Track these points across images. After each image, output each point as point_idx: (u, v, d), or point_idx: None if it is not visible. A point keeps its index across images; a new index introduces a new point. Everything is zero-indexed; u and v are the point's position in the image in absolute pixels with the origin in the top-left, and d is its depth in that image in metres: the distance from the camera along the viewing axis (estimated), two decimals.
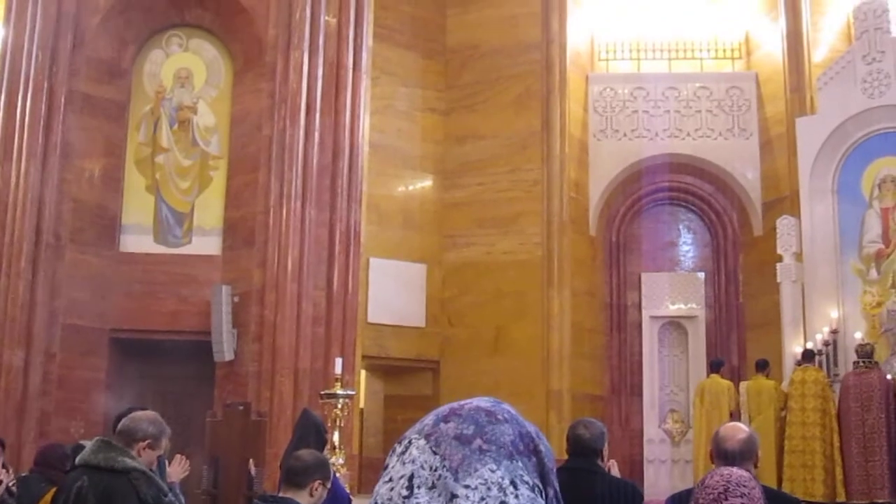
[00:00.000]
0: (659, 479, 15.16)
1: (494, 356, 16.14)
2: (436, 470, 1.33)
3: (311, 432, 7.53)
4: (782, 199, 16.62)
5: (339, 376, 11.39)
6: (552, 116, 16.76)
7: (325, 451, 8.94)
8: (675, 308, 17.18)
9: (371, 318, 15.82)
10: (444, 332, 16.71)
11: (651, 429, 16.74)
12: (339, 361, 11.72)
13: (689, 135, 17.77)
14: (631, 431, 17.06)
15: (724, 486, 3.11)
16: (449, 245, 16.97)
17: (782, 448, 13.50)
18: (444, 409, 1.41)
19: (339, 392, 11.05)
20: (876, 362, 13.73)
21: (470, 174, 17.02)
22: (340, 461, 9.80)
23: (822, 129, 15.42)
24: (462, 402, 1.42)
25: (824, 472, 13.18)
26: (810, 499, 12.80)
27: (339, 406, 11.03)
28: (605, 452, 5.10)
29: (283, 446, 8.32)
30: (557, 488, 1.42)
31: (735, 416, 13.58)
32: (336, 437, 10.72)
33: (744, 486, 3.13)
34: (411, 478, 1.33)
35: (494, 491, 1.31)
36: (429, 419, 1.40)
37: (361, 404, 16.25)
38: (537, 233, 16.53)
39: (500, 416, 1.40)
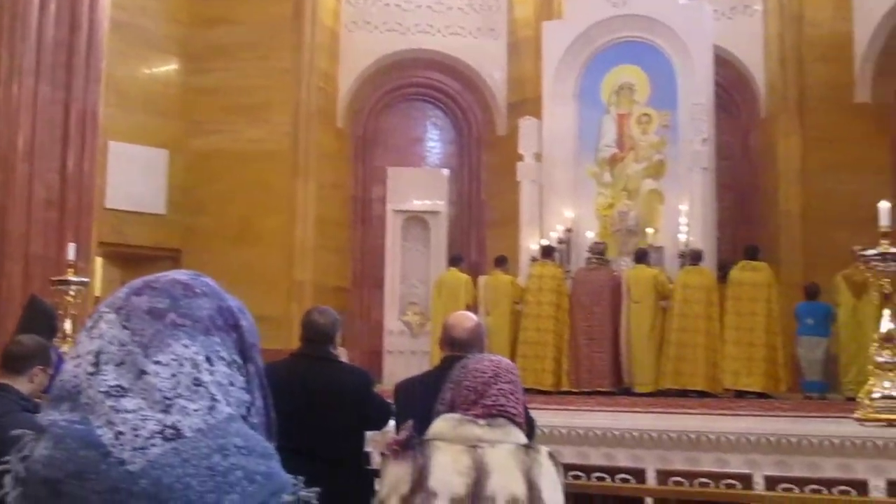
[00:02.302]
0: (397, 370, 15.43)
1: (239, 246, 15.92)
2: (125, 345, 1.27)
3: (39, 319, 7.24)
4: (526, 101, 17.02)
5: (72, 263, 11.00)
6: (303, 4, 16.46)
7: (56, 339, 8.64)
8: (419, 203, 17.40)
9: (109, 204, 15.27)
10: (186, 221, 16.33)
11: (391, 320, 17.03)
12: (72, 247, 11.28)
13: (439, 31, 17.87)
14: (372, 323, 17.32)
15: (494, 370, 3.18)
16: (194, 131, 16.49)
17: (516, 339, 14.01)
18: (138, 281, 1.35)
19: (72, 279, 10.69)
20: (607, 260, 14.41)
21: (218, 59, 16.51)
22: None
23: (567, 35, 15.81)
24: (158, 275, 1.36)
25: (554, 363, 13.80)
26: (539, 387, 13.37)
27: (72, 293, 10.67)
28: (339, 340, 5.14)
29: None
30: (260, 365, 1.39)
31: (472, 309, 13.94)
32: (68, 325, 10.39)
33: (511, 372, 3.23)
34: (98, 354, 1.27)
35: (187, 367, 1.26)
36: (122, 292, 1.33)
37: (97, 292, 15.69)
38: (285, 122, 16.31)
39: (197, 290, 1.34)
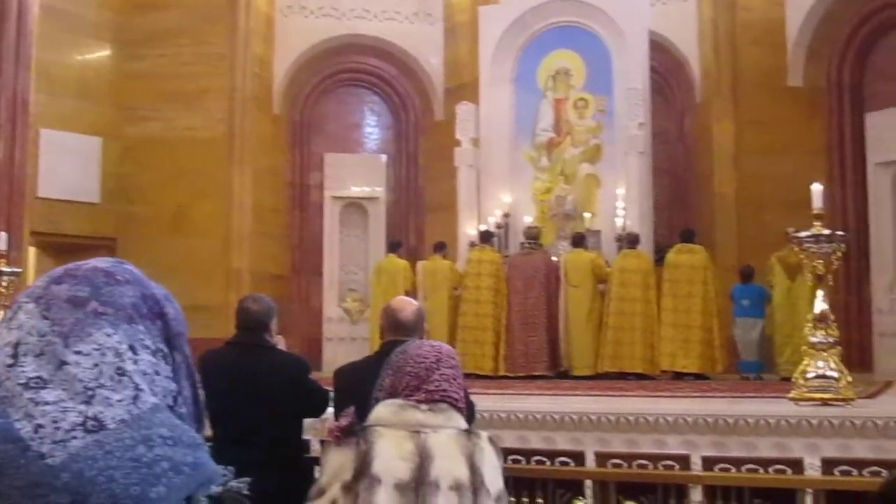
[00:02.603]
0: (337, 357, 15.35)
1: (174, 235, 15.75)
2: (45, 336, 1.23)
3: None
4: (463, 86, 17.01)
5: (4, 253, 10.81)
6: None
7: None
8: (357, 189, 17.34)
9: (41, 193, 15.00)
10: (121, 210, 16.10)
11: (330, 307, 16.96)
12: (3, 237, 11.07)
13: (375, 16, 17.79)
14: (311, 310, 17.24)
15: (436, 356, 3.18)
16: (128, 119, 16.24)
17: (455, 325, 14.03)
18: (58, 270, 1.31)
19: (4, 270, 10.52)
20: (541, 244, 14.47)
21: (152, 45, 16.27)
22: None
23: (504, 19, 15.83)
24: (79, 263, 1.32)
25: (493, 348, 13.84)
26: (479, 372, 13.41)
27: (4, 285, 10.50)
28: (274, 327, 5.09)
29: None
30: (188, 353, 1.36)
31: (411, 294, 13.94)
32: (0, 315, 10.20)
33: (452, 358, 3.24)
34: (17, 345, 1.23)
35: (110, 356, 1.23)
36: (41, 281, 1.30)
37: (31, 282, 15.48)
38: (221, 109, 16.15)
39: (119, 277, 1.31)
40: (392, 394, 3.13)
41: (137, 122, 16.16)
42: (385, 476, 2.92)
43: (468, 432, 3.08)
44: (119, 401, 1.21)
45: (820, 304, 8.37)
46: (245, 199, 16.17)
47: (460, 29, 17.60)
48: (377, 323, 13.47)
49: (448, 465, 2.95)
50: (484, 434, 3.11)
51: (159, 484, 1.19)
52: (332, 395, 4.86)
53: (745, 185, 15.67)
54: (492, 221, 15.15)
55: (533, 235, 14.34)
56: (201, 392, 1.39)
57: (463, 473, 2.96)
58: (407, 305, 4.78)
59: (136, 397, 1.22)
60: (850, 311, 14.77)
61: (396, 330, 4.58)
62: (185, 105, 16.03)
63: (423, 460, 2.94)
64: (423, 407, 3.06)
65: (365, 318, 16.17)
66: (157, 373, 1.28)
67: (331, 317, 16.92)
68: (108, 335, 1.24)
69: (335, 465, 3.02)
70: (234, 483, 1.30)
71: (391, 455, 2.95)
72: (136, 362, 1.25)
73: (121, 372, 1.23)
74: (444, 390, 3.10)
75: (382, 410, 3.09)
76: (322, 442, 3.18)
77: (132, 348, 1.25)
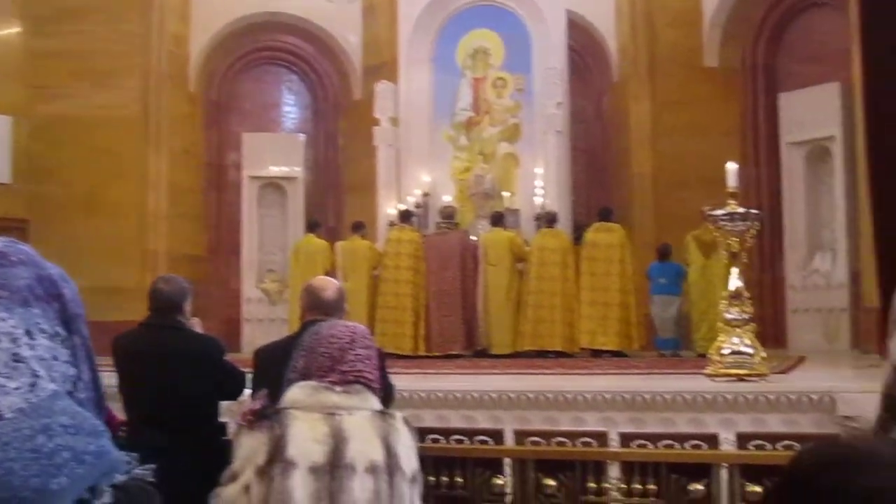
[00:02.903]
0: (256, 338, 15.22)
1: (89, 216, 15.42)
2: None
3: None
4: (382, 65, 16.92)
5: None
6: None
7: None
8: (275, 169, 17.18)
9: None
10: (33, 190, 15.72)
11: (249, 288, 16.83)
12: None
13: None
14: (230, 291, 17.07)
15: (350, 336, 3.15)
16: (40, 97, 15.83)
17: (374, 305, 13.99)
18: None
19: None
20: (457, 223, 14.49)
21: (64, 21, 15.86)
22: None
23: None
24: None
25: (413, 328, 13.83)
26: (399, 352, 13.38)
27: None
28: (188, 309, 5.02)
29: None
30: (87, 335, 1.31)
31: (330, 275, 13.85)
32: None
33: (366, 338, 3.22)
34: None
35: (5, 342, 1.18)
36: None
37: None
38: (135, 87, 15.84)
39: (13, 258, 1.25)
40: (305, 375, 3.10)
41: (49, 101, 15.76)
42: (300, 459, 2.89)
43: (383, 413, 3.07)
44: (16, 389, 1.16)
45: (734, 282, 8.48)
46: (161, 180, 15.93)
47: (379, 8, 17.49)
48: (297, 303, 13.41)
49: (363, 447, 2.93)
50: (399, 415, 3.10)
51: (60, 475, 1.14)
52: (249, 376, 4.81)
53: (661, 164, 15.85)
54: (411, 201, 15.11)
55: (448, 214, 14.35)
56: (101, 375, 1.34)
57: (378, 455, 2.95)
58: (329, 285, 4.75)
59: (33, 384, 1.17)
60: (765, 288, 15.04)
61: (318, 309, 4.55)
62: (99, 83, 15.68)
63: (338, 443, 2.92)
64: (338, 389, 3.03)
65: (284, 299, 16.05)
66: (55, 358, 1.23)
67: (249, 298, 16.79)
68: (3, 319, 1.19)
69: (248, 450, 2.98)
70: (138, 471, 1.26)
71: (306, 438, 2.92)
72: (32, 347, 1.20)
73: (17, 358, 1.18)
74: (359, 371, 3.08)
75: (296, 393, 3.05)
76: (238, 424, 3.12)
77: (28, 333, 1.20)
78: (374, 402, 3.09)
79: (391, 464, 2.96)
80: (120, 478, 1.23)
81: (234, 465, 3.02)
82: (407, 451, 3.02)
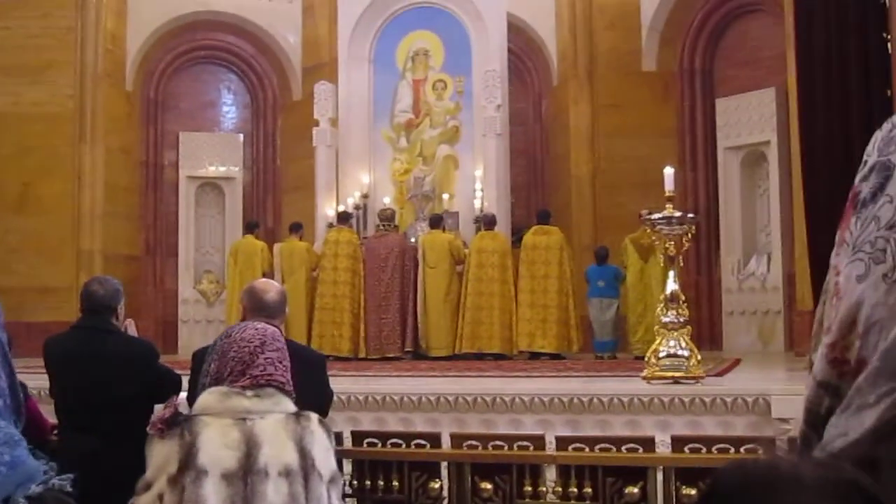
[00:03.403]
0: (193, 339, 15.10)
1: (20, 214, 15.17)
2: None
3: None
4: (322, 65, 16.85)
5: None
6: None
7: None
8: (213, 169, 17.04)
9: None
10: None
11: (186, 289, 16.68)
12: None
13: None
14: (166, 292, 16.91)
15: (260, 339, 3.11)
16: None
17: (313, 306, 13.91)
18: None
19: None
20: (396, 226, 14.45)
21: None
22: None
23: None
24: None
25: (351, 330, 13.77)
26: (337, 354, 13.33)
27: None
28: (122, 311, 4.94)
29: None
30: (4, 341, 1.26)
31: (268, 276, 13.75)
32: None
33: (277, 340, 3.17)
34: None
35: None
36: None
37: None
38: (69, 84, 15.60)
39: None
40: (218, 380, 3.07)
41: None
42: (211, 467, 2.86)
43: (297, 416, 3.04)
44: None
45: (671, 285, 8.53)
46: (96, 178, 15.69)
47: (318, 7, 17.42)
48: (234, 305, 13.33)
49: (276, 450, 2.91)
50: (314, 416, 3.08)
51: None
52: (184, 377, 4.74)
53: (600, 167, 15.94)
54: (350, 202, 15.05)
55: (387, 217, 14.31)
56: (19, 381, 1.29)
57: (292, 458, 2.93)
58: (271, 287, 4.71)
59: None
60: (701, 290, 15.20)
61: (260, 312, 4.51)
62: (32, 79, 15.42)
63: (249, 448, 2.89)
64: (249, 393, 3.00)
65: (221, 300, 15.92)
66: None
67: (186, 298, 16.65)
68: None
69: (160, 458, 2.94)
70: (56, 481, 1.21)
71: (217, 445, 2.89)
72: None
73: None
74: (270, 374, 3.05)
75: (207, 398, 3.02)
76: (147, 433, 3.07)
77: None
78: (287, 405, 3.06)
79: (306, 466, 2.94)
80: (36, 488, 1.19)
81: (147, 474, 2.98)
82: (323, 452, 3.00)
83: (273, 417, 2.97)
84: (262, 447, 2.89)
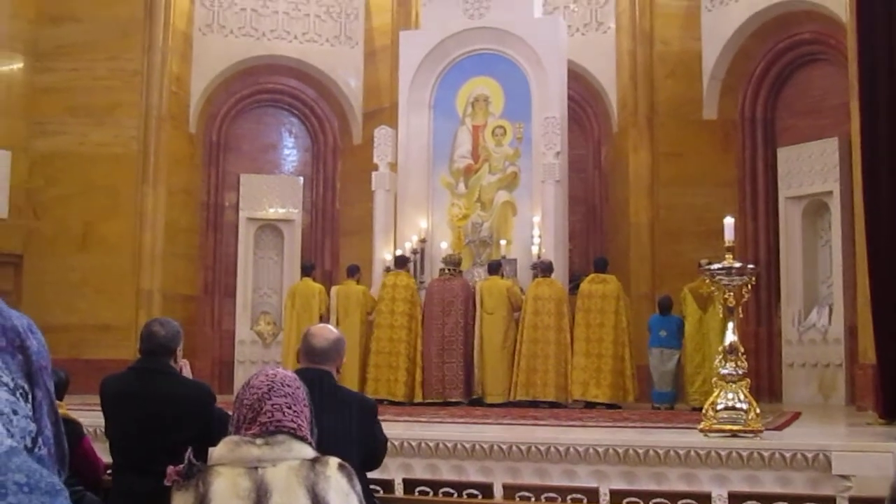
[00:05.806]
0: None
1: (82, 252, 15.41)
2: None
3: None
4: (382, 110, 16.97)
5: None
6: (156, 5, 16.05)
7: None
8: (272, 211, 17.17)
9: None
10: (28, 225, 15.70)
11: (243, 330, 16.76)
12: None
13: (296, 38, 17.71)
14: (223, 332, 17.01)
15: (268, 385, 3.07)
16: (38, 132, 15.87)
17: (367, 349, 13.90)
18: None
19: None
20: (461, 271, 14.42)
21: (65, 58, 15.94)
22: None
23: (424, 45, 15.79)
24: None
25: (406, 374, 13.74)
26: (392, 398, 13.32)
27: None
28: (180, 352, 4.96)
29: None
30: (51, 389, 1.25)
31: (325, 318, 13.80)
32: None
33: (288, 385, 3.10)
34: None
35: None
36: None
37: None
38: (134, 126, 15.86)
39: None
40: (237, 428, 3.05)
41: (47, 136, 15.80)
42: None
43: (313, 461, 2.99)
44: None
45: (730, 336, 8.41)
46: (157, 218, 15.89)
47: (380, 53, 17.58)
48: (291, 347, 13.35)
49: (286, 499, 2.87)
50: (333, 461, 3.02)
51: None
52: None
53: (659, 215, 15.83)
54: (407, 247, 15.06)
55: (454, 261, 14.25)
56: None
57: None
58: (324, 333, 4.71)
59: None
60: (760, 342, 15.00)
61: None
62: (97, 120, 15.72)
63: (259, 497, 2.86)
64: (259, 441, 2.97)
65: (277, 342, 15.97)
66: (14, 412, 1.17)
67: (243, 339, 16.73)
68: None
69: None
70: None
71: (227, 495, 2.86)
72: None
73: None
74: (278, 420, 3.01)
75: (221, 448, 3.00)
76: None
77: None
78: (302, 450, 3.00)
79: None
80: None
81: None
82: (341, 498, 2.94)
83: (286, 464, 2.93)
84: (272, 496, 2.86)
